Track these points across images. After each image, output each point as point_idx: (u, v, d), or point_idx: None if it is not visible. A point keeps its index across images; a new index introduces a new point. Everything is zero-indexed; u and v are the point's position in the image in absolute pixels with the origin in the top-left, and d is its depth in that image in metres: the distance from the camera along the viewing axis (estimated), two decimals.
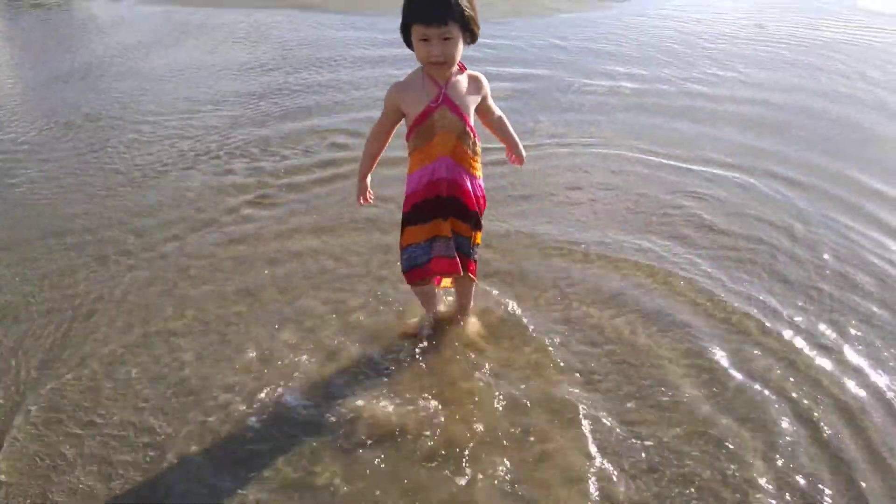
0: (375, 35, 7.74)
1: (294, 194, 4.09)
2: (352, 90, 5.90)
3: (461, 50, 2.38)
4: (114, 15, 9.99)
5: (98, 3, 10.91)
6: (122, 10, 10.32)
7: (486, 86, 2.58)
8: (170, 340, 2.85)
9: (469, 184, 2.56)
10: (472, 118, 2.52)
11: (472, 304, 2.95)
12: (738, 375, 2.59)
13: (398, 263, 2.74)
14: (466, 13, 2.31)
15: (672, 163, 4.41)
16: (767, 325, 2.84)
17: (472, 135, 2.52)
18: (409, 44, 2.41)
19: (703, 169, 4.30)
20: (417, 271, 2.70)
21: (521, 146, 2.81)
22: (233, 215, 3.86)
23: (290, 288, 3.18)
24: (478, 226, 2.67)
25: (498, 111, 2.72)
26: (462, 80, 2.48)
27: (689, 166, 4.34)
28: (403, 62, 5.86)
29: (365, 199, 2.73)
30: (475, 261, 2.75)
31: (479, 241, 2.72)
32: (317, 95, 5.79)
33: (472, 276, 2.77)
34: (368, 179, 2.73)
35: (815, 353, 2.69)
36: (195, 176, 4.37)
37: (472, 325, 2.93)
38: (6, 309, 3.09)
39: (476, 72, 2.56)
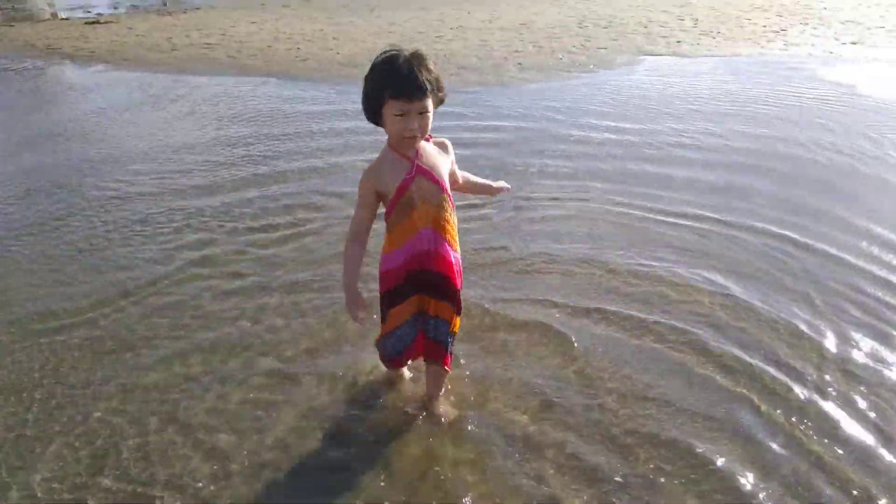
0: (346, 106, 7.88)
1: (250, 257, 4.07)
2: (320, 158, 5.94)
3: (431, 122, 2.34)
4: (86, 80, 10.06)
5: (70, 67, 11.01)
6: (93, 76, 10.39)
7: (452, 150, 2.55)
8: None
9: (452, 257, 2.48)
10: (447, 184, 2.46)
11: (441, 391, 2.77)
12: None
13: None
14: (440, 84, 2.30)
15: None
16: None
17: (450, 202, 2.45)
18: (372, 118, 2.34)
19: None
20: (400, 359, 2.66)
21: (492, 182, 2.87)
22: (178, 276, 3.83)
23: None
24: (458, 308, 2.54)
25: (462, 173, 2.68)
26: (429, 148, 2.45)
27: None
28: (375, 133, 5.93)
29: (361, 310, 2.41)
30: (451, 353, 2.61)
31: (456, 328, 2.59)
32: (283, 163, 5.82)
33: (446, 367, 2.64)
34: (359, 287, 2.44)
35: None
36: (148, 242, 4.32)
37: (443, 410, 2.72)
38: None
39: (441, 137, 2.54)
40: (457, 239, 2.52)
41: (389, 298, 2.51)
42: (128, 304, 3.57)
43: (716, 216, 4.44)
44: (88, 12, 17.55)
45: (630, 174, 5.32)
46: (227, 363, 3.06)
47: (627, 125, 6.64)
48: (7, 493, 2.40)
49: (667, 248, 4.01)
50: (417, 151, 2.38)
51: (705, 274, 3.70)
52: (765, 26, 11.86)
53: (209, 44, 12.17)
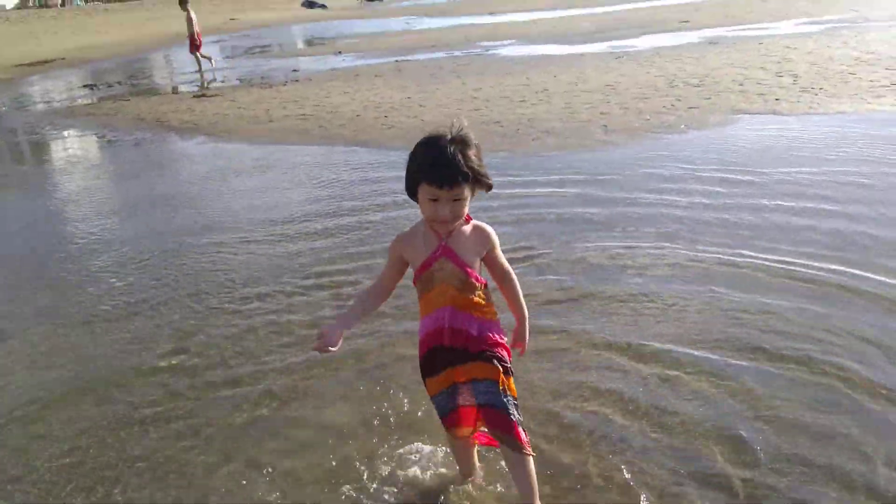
0: None
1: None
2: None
3: (467, 207, 2.34)
4: (188, 151, 10.71)
5: (175, 139, 11.75)
6: (195, 147, 11.03)
7: (494, 237, 2.49)
8: None
9: (474, 329, 2.41)
10: (476, 269, 2.44)
11: (535, 488, 2.43)
12: None
13: None
14: (479, 171, 2.26)
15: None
16: None
17: (476, 284, 2.42)
18: (412, 195, 2.37)
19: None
20: (448, 419, 2.58)
21: (527, 320, 2.60)
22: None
23: None
24: (504, 370, 2.41)
25: (508, 267, 2.55)
26: (465, 231, 2.44)
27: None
28: None
29: (328, 345, 2.37)
30: (518, 422, 2.37)
31: (511, 389, 2.41)
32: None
33: (520, 443, 2.36)
34: (345, 328, 2.45)
35: None
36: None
37: None
38: None
39: (483, 224, 2.50)
40: (491, 311, 2.48)
41: (422, 368, 2.56)
42: None
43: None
44: (197, 86, 18.84)
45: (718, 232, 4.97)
46: None
47: (715, 188, 6.28)
48: None
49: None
50: (451, 232, 2.39)
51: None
52: (872, 81, 11.13)
53: (303, 115, 12.69)
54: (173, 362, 4.12)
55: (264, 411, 3.57)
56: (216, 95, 16.24)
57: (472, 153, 2.26)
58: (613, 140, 8.96)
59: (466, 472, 2.81)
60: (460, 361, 2.43)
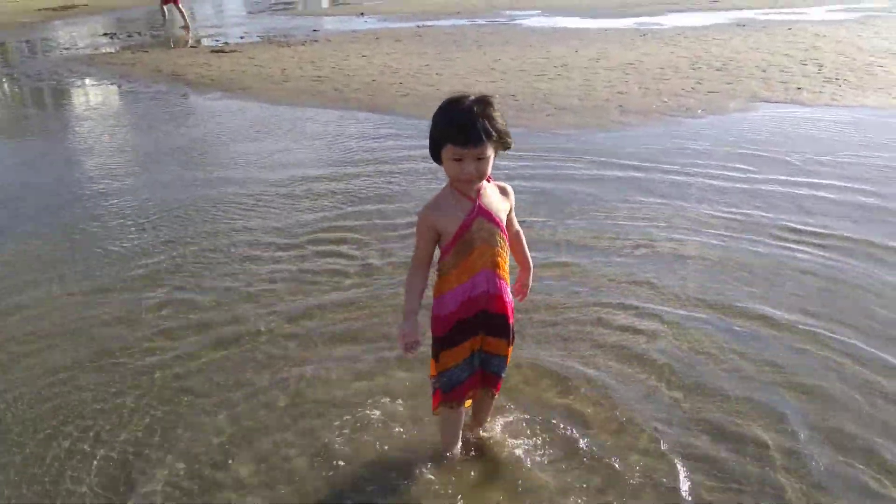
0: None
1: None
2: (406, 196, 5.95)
3: (491, 166, 2.40)
4: (201, 106, 10.71)
5: (190, 94, 11.74)
6: (208, 102, 11.02)
7: (513, 196, 2.58)
8: None
9: (507, 295, 2.56)
10: (504, 224, 2.52)
11: (489, 416, 2.95)
12: None
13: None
14: (502, 130, 2.32)
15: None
16: None
17: (506, 241, 2.52)
18: (436, 158, 2.40)
19: None
20: (455, 392, 2.62)
21: (531, 273, 2.80)
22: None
23: None
24: (512, 340, 2.66)
25: (517, 226, 2.68)
26: (489, 189, 2.49)
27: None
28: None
29: (413, 344, 2.46)
30: (502, 378, 2.74)
31: (509, 358, 2.70)
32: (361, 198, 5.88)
33: (497, 392, 2.79)
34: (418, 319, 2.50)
35: None
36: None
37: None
38: None
39: (503, 182, 2.57)
40: (508, 272, 2.58)
41: (442, 342, 2.54)
42: None
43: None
44: (217, 41, 18.73)
45: (722, 220, 4.94)
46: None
47: (723, 172, 6.21)
48: None
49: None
50: (479, 191, 2.42)
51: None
52: None
53: (319, 77, 12.62)
54: (178, 297, 4.22)
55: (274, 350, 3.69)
56: (234, 51, 16.16)
57: (495, 112, 2.31)
58: (628, 121, 8.86)
59: (455, 443, 2.82)
60: (493, 333, 2.57)
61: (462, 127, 2.27)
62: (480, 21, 21.61)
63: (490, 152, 2.33)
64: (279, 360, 3.60)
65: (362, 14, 28.22)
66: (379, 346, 3.68)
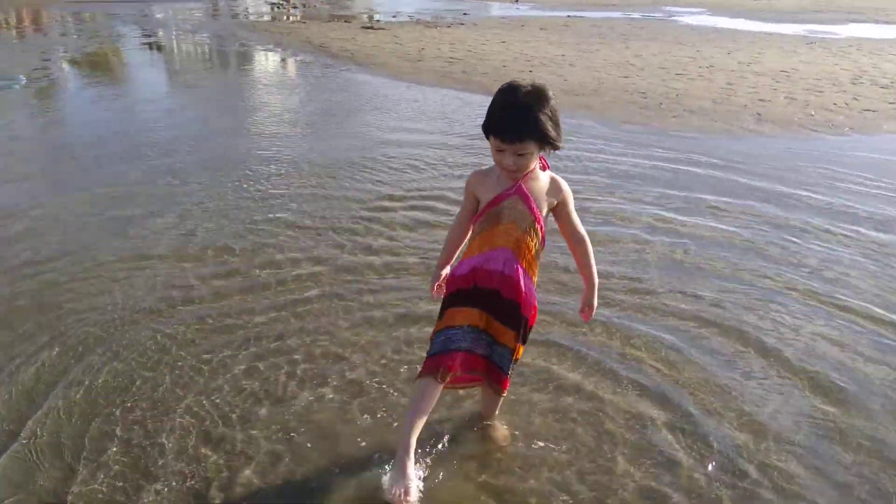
0: None
1: None
2: None
3: (536, 160, 2.33)
4: (334, 77, 11.15)
5: (328, 64, 12.28)
6: (341, 73, 11.46)
7: (567, 193, 2.43)
8: None
9: (523, 283, 2.38)
10: (543, 215, 2.40)
11: (495, 412, 2.80)
12: None
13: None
14: (545, 131, 2.21)
15: None
16: None
17: (539, 233, 2.39)
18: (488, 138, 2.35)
19: None
20: (449, 356, 2.35)
21: (595, 290, 2.49)
22: None
23: None
24: (524, 338, 2.47)
25: (582, 230, 2.48)
26: (541, 177, 2.40)
27: None
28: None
29: (439, 290, 2.59)
30: (510, 377, 2.56)
31: (519, 355, 2.53)
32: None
33: (503, 390, 2.63)
34: (446, 270, 2.58)
35: None
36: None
37: (497, 429, 2.77)
38: None
39: (559, 177, 2.44)
40: (536, 271, 2.47)
41: (450, 300, 2.48)
42: None
43: None
44: (394, 17, 19.39)
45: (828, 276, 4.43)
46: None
47: (841, 202, 5.55)
48: None
49: None
50: (526, 174, 2.35)
51: None
52: None
53: (452, 58, 12.74)
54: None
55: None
56: (382, 29, 16.70)
57: (545, 110, 2.21)
58: (762, 130, 8.18)
59: (419, 418, 2.39)
60: (501, 319, 2.41)
61: (504, 122, 2.22)
62: (635, 15, 20.85)
63: (532, 148, 2.25)
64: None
65: (517, 1, 28.14)
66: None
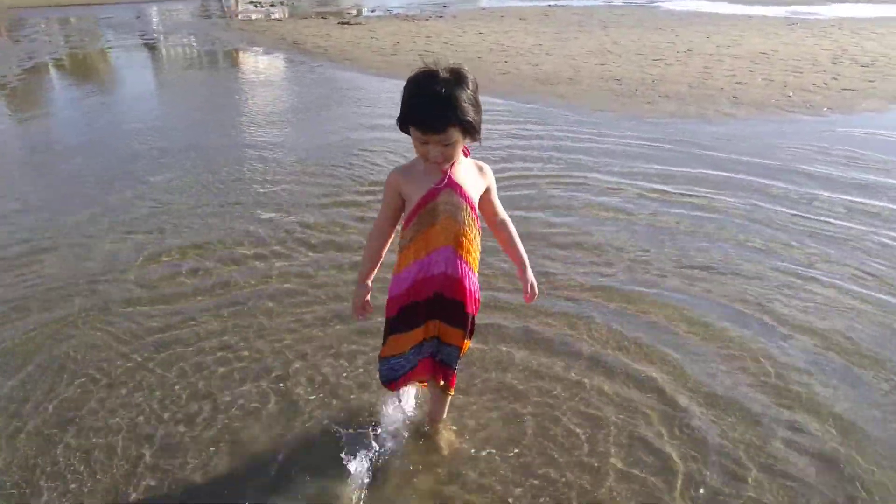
0: (504, 127, 7.49)
1: None
2: None
3: (461, 149, 2.16)
4: (302, 75, 10.93)
5: (299, 61, 12.05)
6: (311, 70, 11.24)
7: (491, 177, 2.33)
8: None
9: (468, 281, 2.29)
10: (476, 205, 2.27)
11: (444, 414, 2.70)
12: None
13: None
14: (468, 119, 2.03)
15: None
16: None
17: (476, 223, 2.26)
18: (405, 131, 2.15)
19: None
20: (394, 383, 2.44)
21: (529, 267, 2.40)
22: None
23: None
24: (471, 333, 2.39)
25: (503, 213, 2.39)
26: (466, 164, 2.25)
27: None
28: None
29: (363, 309, 2.39)
30: (456, 373, 2.50)
31: (464, 351, 2.44)
32: None
33: (451, 388, 2.57)
34: (370, 283, 2.38)
35: None
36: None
37: (443, 437, 2.66)
38: None
39: (481, 162, 2.32)
40: (477, 261, 2.34)
41: (392, 325, 2.35)
42: None
43: None
44: (372, 12, 19.13)
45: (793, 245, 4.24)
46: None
47: (815, 189, 5.36)
48: None
49: None
50: (452, 165, 2.19)
51: None
52: None
53: (426, 51, 12.51)
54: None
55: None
56: (358, 24, 16.46)
57: (465, 95, 2.03)
58: (737, 114, 7.98)
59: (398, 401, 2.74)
60: (449, 321, 2.33)
61: (425, 112, 2.04)
62: (617, 2, 20.61)
63: (457, 136, 2.08)
64: None
65: None
66: None
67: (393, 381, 2.43)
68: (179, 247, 4.30)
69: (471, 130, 2.08)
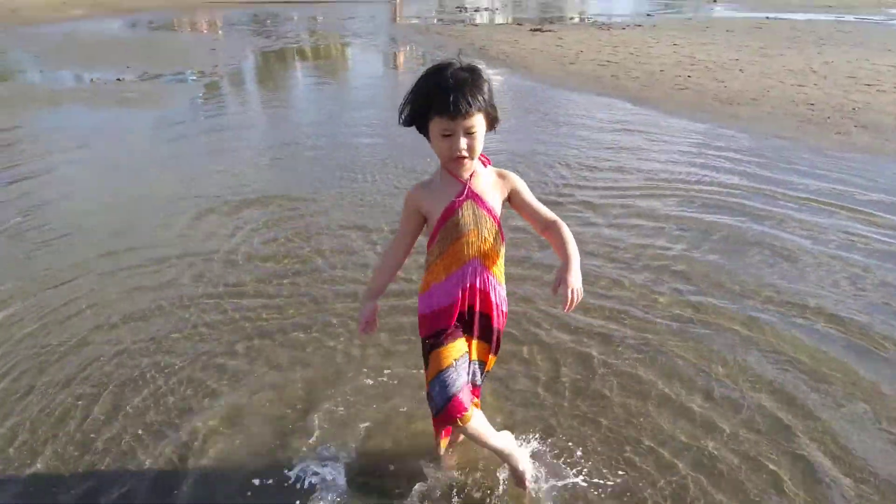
0: (686, 148, 6.96)
1: None
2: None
3: (482, 145, 2.11)
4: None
5: (489, 70, 12.19)
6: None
7: (517, 179, 2.25)
8: None
9: (495, 295, 2.25)
10: (498, 212, 2.22)
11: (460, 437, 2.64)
12: None
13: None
14: (493, 104, 2.07)
15: None
16: None
17: (500, 234, 2.22)
18: (421, 130, 2.12)
19: None
20: (455, 405, 2.14)
21: (572, 267, 2.06)
22: None
23: None
24: (496, 349, 2.34)
25: (550, 213, 2.23)
26: (486, 174, 2.21)
27: None
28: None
29: (369, 327, 2.33)
30: (479, 387, 2.42)
31: (490, 367, 2.41)
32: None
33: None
34: (377, 301, 2.34)
35: None
36: None
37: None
38: None
39: (503, 169, 2.26)
40: (503, 273, 2.29)
41: (429, 343, 2.25)
42: None
43: None
44: (571, 19, 19.06)
45: None
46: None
47: None
48: None
49: None
50: (472, 174, 2.16)
51: None
52: None
53: (608, 62, 12.08)
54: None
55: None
56: (549, 31, 16.32)
57: (482, 84, 2.04)
58: (852, 142, 6.75)
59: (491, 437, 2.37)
60: (477, 335, 2.27)
61: (450, 96, 1.97)
62: (849, 17, 18.37)
63: (481, 125, 2.05)
64: None
65: (715, 2, 26.26)
66: None
67: (452, 401, 2.15)
68: None
69: (493, 120, 2.08)
